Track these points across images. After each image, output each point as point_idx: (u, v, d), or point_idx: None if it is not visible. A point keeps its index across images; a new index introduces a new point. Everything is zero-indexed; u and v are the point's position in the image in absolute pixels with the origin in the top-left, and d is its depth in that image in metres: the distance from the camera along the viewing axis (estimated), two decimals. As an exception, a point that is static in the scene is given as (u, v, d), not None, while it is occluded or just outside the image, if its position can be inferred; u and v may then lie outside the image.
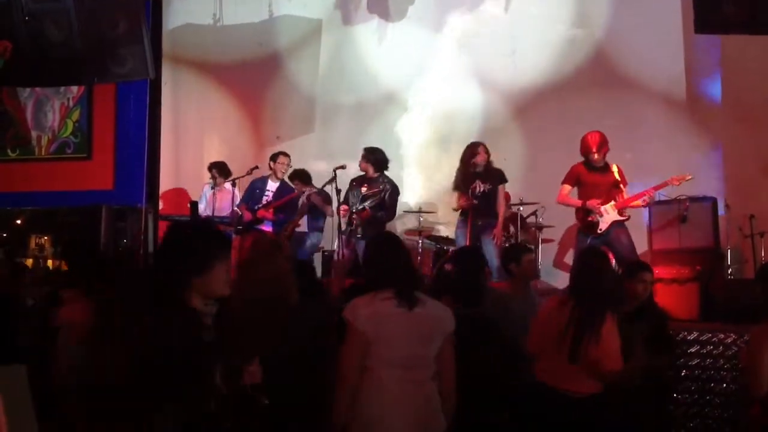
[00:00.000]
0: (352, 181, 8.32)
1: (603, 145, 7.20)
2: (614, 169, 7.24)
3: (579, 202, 7.29)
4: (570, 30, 9.39)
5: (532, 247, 6.87)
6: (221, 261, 2.78)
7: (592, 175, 7.27)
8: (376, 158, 8.21)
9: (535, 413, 4.17)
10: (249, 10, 10.64)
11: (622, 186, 7.21)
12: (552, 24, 9.46)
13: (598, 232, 7.13)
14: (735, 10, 6.73)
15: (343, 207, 8.11)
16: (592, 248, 4.45)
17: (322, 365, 3.65)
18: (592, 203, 7.16)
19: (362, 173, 8.30)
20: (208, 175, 9.58)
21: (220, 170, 9.25)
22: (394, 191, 8.18)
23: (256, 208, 8.59)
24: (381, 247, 3.72)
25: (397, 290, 3.47)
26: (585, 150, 7.26)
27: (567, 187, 7.39)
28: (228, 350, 2.81)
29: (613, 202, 7.14)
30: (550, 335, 4.17)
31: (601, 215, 7.14)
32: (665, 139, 8.90)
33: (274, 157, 8.79)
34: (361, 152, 8.31)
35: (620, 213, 7.15)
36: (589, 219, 7.20)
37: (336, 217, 8.22)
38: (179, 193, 10.43)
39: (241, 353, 2.88)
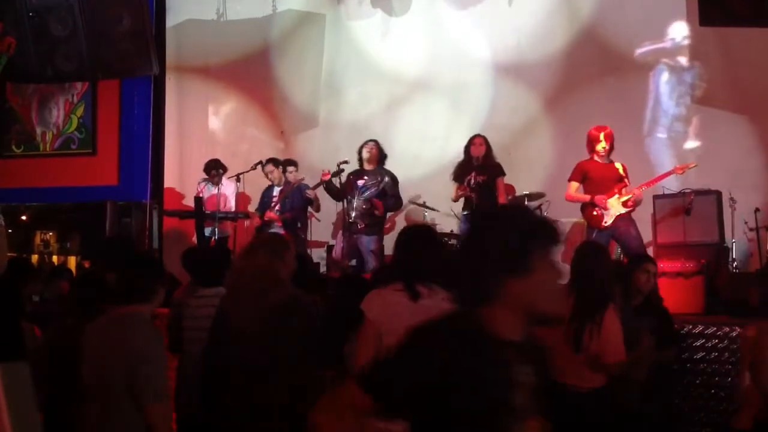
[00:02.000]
0: (349, 174, 8.31)
1: (608, 137, 7.18)
2: (618, 165, 7.21)
3: (587, 198, 7.24)
4: (575, 22, 9.36)
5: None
6: (545, 258, 1.93)
7: (597, 170, 7.24)
8: (379, 147, 8.26)
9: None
10: (252, 5, 10.62)
11: (626, 181, 7.15)
12: (557, 16, 9.43)
13: (603, 225, 7.12)
14: (739, 3, 6.72)
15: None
16: (588, 242, 4.45)
17: (316, 360, 3.65)
18: (599, 199, 7.12)
19: (357, 167, 8.31)
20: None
21: (218, 167, 9.26)
22: (394, 181, 8.21)
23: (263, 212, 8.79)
24: (402, 240, 3.67)
25: (406, 283, 3.47)
26: (591, 143, 7.23)
27: (574, 184, 7.35)
28: None
29: (617, 196, 7.10)
30: (556, 331, 4.14)
31: (607, 210, 7.11)
32: (669, 133, 8.88)
33: (263, 168, 8.96)
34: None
35: (624, 205, 7.10)
36: (595, 213, 7.18)
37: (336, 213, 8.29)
38: (184, 189, 10.43)
39: None
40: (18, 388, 2.34)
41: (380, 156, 8.26)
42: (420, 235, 3.74)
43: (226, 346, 3.57)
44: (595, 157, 7.25)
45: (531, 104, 9.43)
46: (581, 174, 7.32)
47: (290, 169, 9.02)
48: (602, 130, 7.21)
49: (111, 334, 3.36)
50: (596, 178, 7.25)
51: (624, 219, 7.11)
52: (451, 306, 3.31)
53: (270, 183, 8.94)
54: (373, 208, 8.01)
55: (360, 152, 8.28)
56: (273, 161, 8.96)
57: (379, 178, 8.15)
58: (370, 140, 8.36)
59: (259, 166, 8.98)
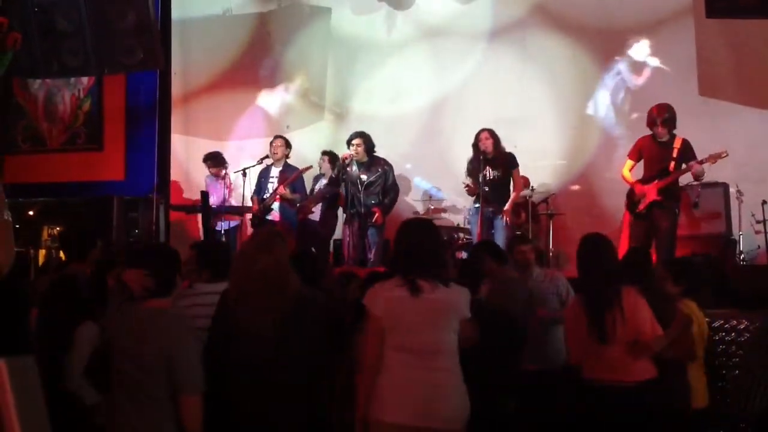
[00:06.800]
0: (347, 167, 8.18)
1: (668, 118, 6.97)
2: (677, 144, 6.99)
3: (631, 182, 7.17)
4: (581, 12, 9.33)
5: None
6: None
7: (653, 149, 7.08)
8: (367, 141, 8.17)
9: (593, 411, 4.07)
10: (257, -1, 10.65)
11: (672, 164, 6.92)
12: (561, 9, 9.40)
13: (636, 211, 7.09)
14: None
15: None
16: (589, 235, 4.43)
17: (324, 353, 3.65)
18: (637, 187, 7.07)
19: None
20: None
21: (214, 161, 9.22)
22: (391, 169, 8.18)
23: (263, 197, 8.60)
24: (402, 234, 3.70)
25: (407, 277, 3.51)
26: (650, 121, 7.07)
27: (630, 162, 7.25)
28: None
29: (656, 181, 6.97)
30: (585, 334, 4.11)
31: (641, 197, 7.05)
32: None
33: (270, 143, 8.83)
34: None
35: (659, 194, 6.95)
36: (635, 198, 7.14)
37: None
38: (189, 184, 10.44)
39: None
40: (24, 383, 2.34)
41: (368, 147, 8.16)
42: (421, 229, 3.75)
43: (233, 342, 3.55)
44: (656, 137, 7.07)
45: (540, 98, 9.39)
46: (638, 152, 7.21)
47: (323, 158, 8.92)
48: (663, 111, 7.00)
49: (145, 328, 3.28)
50: (647, 159, 7.14)
51: (658, 207, 6.97)
52: (452, 298, 3.35)
53: (266, 165, 8.77)
54: (378, 204, 7.99)
55: (349, 146, 8.15)
56: (284, 138, 8.84)
57: (380, 171, 8.11)
58: (357, 135, 8.22)
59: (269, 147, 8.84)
